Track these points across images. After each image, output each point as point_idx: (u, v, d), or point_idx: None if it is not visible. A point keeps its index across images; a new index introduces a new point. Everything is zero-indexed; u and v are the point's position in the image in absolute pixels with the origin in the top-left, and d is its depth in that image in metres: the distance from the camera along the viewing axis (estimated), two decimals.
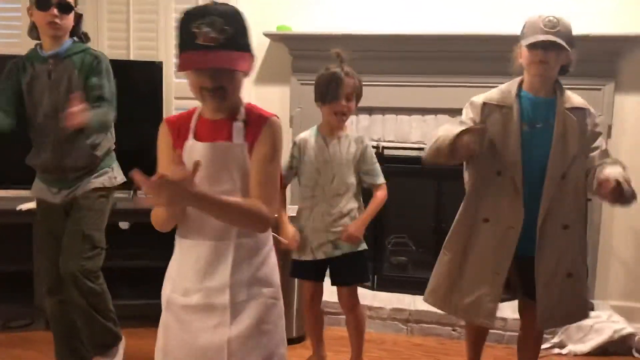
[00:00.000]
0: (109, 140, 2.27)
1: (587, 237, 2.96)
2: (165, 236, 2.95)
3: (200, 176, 1.29)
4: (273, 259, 1.47)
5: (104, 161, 2.26)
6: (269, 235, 1.47)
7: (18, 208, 2.82)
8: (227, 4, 1.36)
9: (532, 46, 1.91)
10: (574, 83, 3.01)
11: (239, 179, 1.37)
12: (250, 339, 1.37)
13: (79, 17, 2.22)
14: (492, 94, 2.04)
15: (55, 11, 2.09)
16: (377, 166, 2.37)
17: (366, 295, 3.10)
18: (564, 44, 1.89)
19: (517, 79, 2.04)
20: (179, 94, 3.47)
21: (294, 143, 2.38)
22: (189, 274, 1.39)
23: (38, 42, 2.21)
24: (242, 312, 1.37)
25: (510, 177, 1.96)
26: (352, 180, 2.31)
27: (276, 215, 2.23)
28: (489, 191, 2.01)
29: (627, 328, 2.80)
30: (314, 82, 3.28)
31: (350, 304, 2.40)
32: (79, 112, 1.96)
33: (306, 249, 2.32)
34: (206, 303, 1.37)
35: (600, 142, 2.02)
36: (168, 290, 1.44)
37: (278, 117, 1.43)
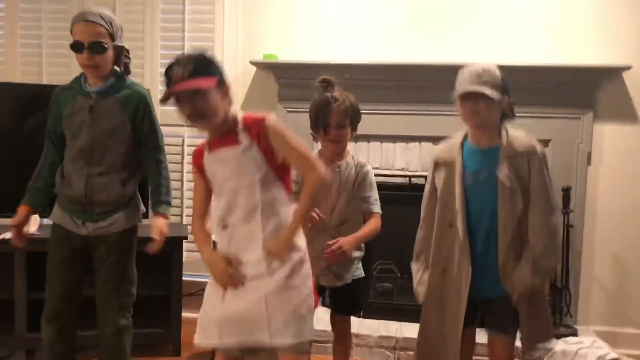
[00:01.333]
0: (137, 177, 2.26)
1: (568, 264, 3.06)
2: (146, 265, 2.92)
3: (225, 175, 1.69)
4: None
5: (132, 195, 2.24)
6: (292, 208, 1.72)
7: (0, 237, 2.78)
8: (196, 50, 1.73)
9: (462, 99, 1.98)
10: (554, 112, 3.15)
11: (257, 172, 1.67)
12: (281, 292, 1.65)
13: (119, 50, 2.18)
14: (440, 150, 2.16)
15: (87, 54, 2.07)
16: (376, 194, 2.29)
17: (352, 323, 3.06)
18: (487, 92, 1.92)
19: (463, 131, 2.10)
20: (164, 120, 3.46)
21: None
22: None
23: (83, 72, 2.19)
24: (275, 273, 1.66)
25: (458, 228, 2.03)
26: (354, 210, 2.24)
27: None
28: (445, 242, 2.08)
29: (611, 354, 2.82)
30: (300, 110, 3.35)
31: (346, 332, 2.38)
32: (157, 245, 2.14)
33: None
34: (250, 274, 1.67)
35: (538, 191, 1.98)
36: None
37: (270, 113, 1.76)
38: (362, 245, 2.33)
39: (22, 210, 2.17)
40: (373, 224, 2.26)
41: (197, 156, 1.79)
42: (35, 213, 2.24)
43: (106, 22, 2.10)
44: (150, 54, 3.49)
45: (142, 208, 2.32)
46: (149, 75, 3.48)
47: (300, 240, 1.74)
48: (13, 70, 3.56)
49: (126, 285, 2.23)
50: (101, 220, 2.17)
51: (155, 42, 3.49)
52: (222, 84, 1.68)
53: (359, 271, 2.34)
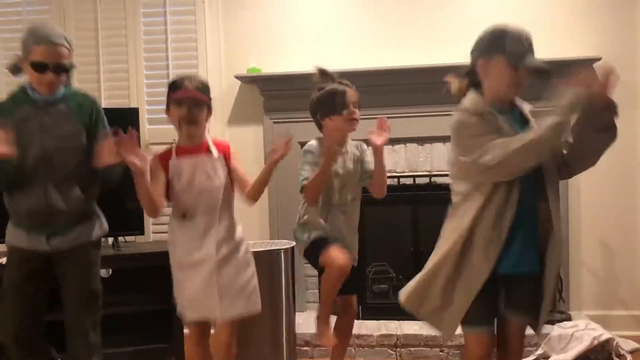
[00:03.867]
0: (97, 185, 2.23)
1: None
2: (146, 281, 2.94)
3: (194, 176, 2.09)
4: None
5: (92, 206, 2.23)
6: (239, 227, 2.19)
7: None
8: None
9: None
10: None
11: (223, 177, 2.13)
12: (230, 273, 2.10)
13: (73, 65, 2.13)
14: (472, 106, 1.88)
15: (52, 75, 2.03)
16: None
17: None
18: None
19: (474, 95, 1.91)
20: (152, 139, 3.52)
21: (310, 152, 2.34)
22: (188, 244, 2.12)
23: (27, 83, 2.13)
24: (225, 257, 2.10)
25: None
26: (360, 187, 2.42)
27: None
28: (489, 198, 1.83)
29: (605, 334, 2.91)
30: (286, 120, 3.41)
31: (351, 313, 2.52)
32: (108, 151, 2.01)
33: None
34: (204, 257, 2.10)
35: None
36: (177, 254, 2.15)
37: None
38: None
39: None
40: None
41: (163, 158, 2.14)
42: None
43: (67, 42, 2.06)
44: (135, 74, 3.55)
45: (104, 222, 2.29)
46: (134, 96, 3.53)
47: (241, 232, 2.19)
48: None
49: (94, 301, 2.20)
50: (63, 234, 2.14)
51: (140, 63, 3.55)
52: (209, 108, 2.15)
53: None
